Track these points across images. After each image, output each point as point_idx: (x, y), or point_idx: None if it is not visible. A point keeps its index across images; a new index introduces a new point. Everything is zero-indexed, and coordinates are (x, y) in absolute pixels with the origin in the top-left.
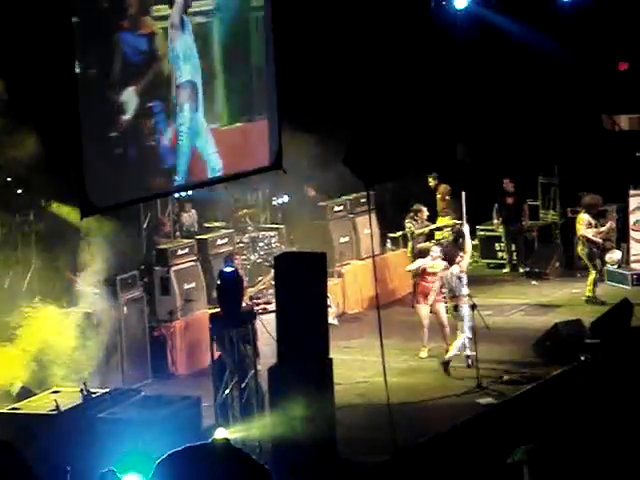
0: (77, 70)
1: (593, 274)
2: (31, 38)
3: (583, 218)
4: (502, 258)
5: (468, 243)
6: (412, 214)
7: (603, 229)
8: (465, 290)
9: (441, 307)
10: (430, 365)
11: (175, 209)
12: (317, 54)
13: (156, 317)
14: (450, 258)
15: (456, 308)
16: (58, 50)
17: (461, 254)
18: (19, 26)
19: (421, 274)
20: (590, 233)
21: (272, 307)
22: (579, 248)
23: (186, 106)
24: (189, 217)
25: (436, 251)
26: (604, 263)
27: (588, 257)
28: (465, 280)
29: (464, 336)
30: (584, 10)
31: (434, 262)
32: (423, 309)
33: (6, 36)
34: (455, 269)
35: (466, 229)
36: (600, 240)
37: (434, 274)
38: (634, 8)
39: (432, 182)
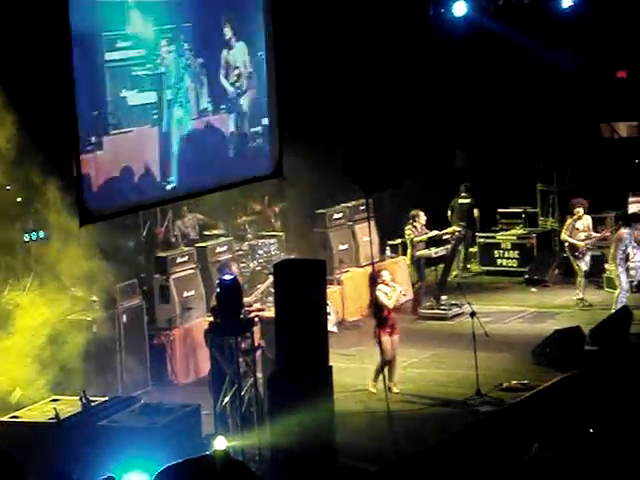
0: None
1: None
2: (31, 54)
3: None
4: (501, 265)
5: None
6: (411, 220)
7: (596, 235)
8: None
9: (396, 339)
10: (430, 373)
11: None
12: (316, 62)
13: (155, 325)
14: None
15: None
16: (56, 61)
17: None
18: (23, 49)
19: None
20: (570, 237)
21: (265, 314)
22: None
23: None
24: (187, 221)
25: (386, 276)
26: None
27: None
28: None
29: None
30: (583, 18)
31: (394, 285)
32: (389, 343)
33: (11, 58)
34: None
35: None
36: (581, 244)
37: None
38: (633, 16)
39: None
